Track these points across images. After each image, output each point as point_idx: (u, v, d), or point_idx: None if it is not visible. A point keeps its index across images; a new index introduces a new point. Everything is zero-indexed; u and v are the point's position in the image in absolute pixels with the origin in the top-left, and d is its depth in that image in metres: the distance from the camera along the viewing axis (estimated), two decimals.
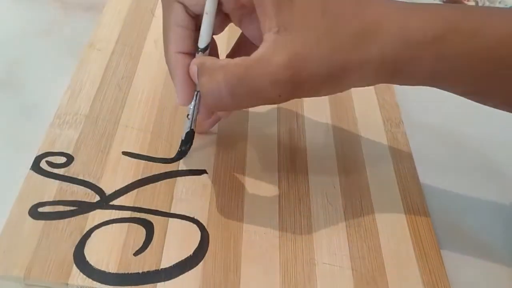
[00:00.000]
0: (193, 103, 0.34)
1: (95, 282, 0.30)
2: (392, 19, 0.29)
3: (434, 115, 0.47)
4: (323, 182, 0.39)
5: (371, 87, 0.48)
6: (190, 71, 0.32)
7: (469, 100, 0.33)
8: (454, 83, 0.31)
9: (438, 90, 0.33)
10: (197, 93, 0.34)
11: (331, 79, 0.29)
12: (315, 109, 0.45)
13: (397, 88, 0.48)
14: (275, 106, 0.44)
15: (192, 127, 0.36)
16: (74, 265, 0.31)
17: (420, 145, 0.44)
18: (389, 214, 0.37)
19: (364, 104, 0.46)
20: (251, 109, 0.43)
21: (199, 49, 0.33)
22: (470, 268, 0.36)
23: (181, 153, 0.38)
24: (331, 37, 0.29)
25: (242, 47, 0.32)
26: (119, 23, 0.49)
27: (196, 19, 0.33)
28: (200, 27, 0.32)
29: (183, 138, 0.37)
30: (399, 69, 0.30)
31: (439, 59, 0.29)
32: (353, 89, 0.47)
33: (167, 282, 0.31)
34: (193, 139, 0.37)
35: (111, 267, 0.31)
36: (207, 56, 0.33)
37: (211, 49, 0.34)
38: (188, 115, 0.35)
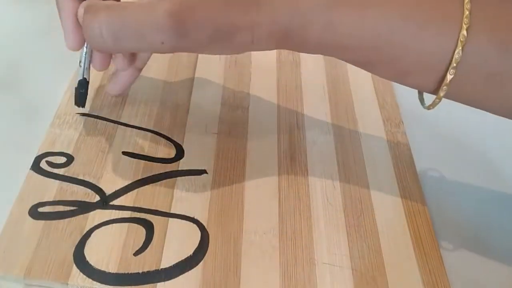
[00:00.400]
0: (84, 49, 0.35)
1: (95, 282, 0.30)
2: None
3: (434, 115, 0.47)
4: (323, 182, 0.39)
5: (371, 87, 0.48)
6: (78, 14, 0.32)
7: None
8: (343, 54, 0.31)
9: None
10: None
11: (220, 35, 0.29)
12: (315, 109, 0.45)
13: (397, 88, 0.48)
14: (275, 106, 0.44)
15: (84, 76, 0.36)
16: (74, 265, 0.31)
17: (420, 145, 0.44)
18: (389, 214, 0.37)
19: (364, 104, 0.46)
20: (250, 109, 0.43)
21: None
22: (470, 267, 0.36)
23: (78, 100, 0.38)
24: None
25: None
26: None
27: None
28: None
29: (76, 86, 0.37)
30: (290, 35, 0.30)
31: (328, 28, 0.29)
32: (353, 89, 0.48)
33: (167, 282, 0.31)
34: (87, 88, 0.37)
35: (111, 267, 0.31)
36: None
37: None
38: (80, 62, 0.35)
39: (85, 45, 0.34)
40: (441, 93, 0.30)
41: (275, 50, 0.50)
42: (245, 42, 0.30)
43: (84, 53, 0.35)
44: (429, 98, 0.33)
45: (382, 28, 0.29)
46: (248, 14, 0.29)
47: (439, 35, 0.29)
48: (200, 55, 0.47)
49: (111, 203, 0.34)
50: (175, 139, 0.40)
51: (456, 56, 0.29)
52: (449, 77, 0.29)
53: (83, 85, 0.37)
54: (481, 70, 0.30)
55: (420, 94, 0.34)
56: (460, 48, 0.29)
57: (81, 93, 0.37)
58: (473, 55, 0.29)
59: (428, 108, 0.33)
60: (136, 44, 0.30)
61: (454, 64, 0.29)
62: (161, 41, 0.29)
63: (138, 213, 0.34)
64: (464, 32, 0.28)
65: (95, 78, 0.43)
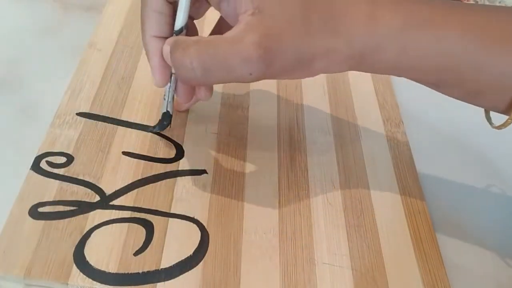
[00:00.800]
0: (168, 85, 0.36)
1: (95, 282, 0.30)
2: (361, 9, 0.30)
3: (434, 115, 0.47)
4: (323, 182, 0.39)
5: (371, 87, 0.48)
6: (163, 51, 0.33)
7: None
8: (416, 75, 0.32)
9: None
10: (171, 75, 0.35)
11: (301, 62, 0.30)
12: (315, 109, 0.45)
13: (397, 88, 0.48)
14: (275, 106, 0.44)
15: (168, 109, 0.37)
16: (74, 265, 0.31)
17: (420, 145, 0.44)
18: (389, 214, 0.37)
19: (364, 104, 0.46)
20: (251, 109, 0.43)
21: (174, 32, 0.34)
22: (471, 267, 0.36)
23: (157, 129, 0.39)
24: (303, 22, 0.30)
25: (222, 29, 0.33)
26: (119, 23, 0.49)
27: (173, 5, 0.34)
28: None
29: (160, 118, 0.38)
30: (365, 58, 0.31)
31: (402, 51, 0.30)
32: (353, 89, 0.48)
33: (167, 282, 0.31)
34: (170, 120, 0.38)
35: (111, 267, 0.31)
36: (180, 36, 0.34)
37: (192, 34, 0.35)
38: (164, 95, 0.37)
39: (169, 81, 0.36)
40: None
41: None
42: (321, 68, 0.31)
43: (168, 87, 0.36)
44: (497, 118, 0.33)
45: (457, 49, 0.30)
46: (327, 42, 0.30)
47: None
48: None
49: (111, 203, 0.34)
50: (175, 139, 0.40)
51: None
52: None
53: (167, 117, 0.38)
54: None
55: (487, 113, 0.34)
56: None
57: (163, 124, 0.38)
58: None
59: (499, 128, 0.33)
60: (225, 76, 0.30)
61: None
62: (249, 72, 0.29)
63: (138, 213, 0.34)
64: None
65: (96, 78, 0.43)
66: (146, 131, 0.39)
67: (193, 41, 0.31)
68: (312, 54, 0.30)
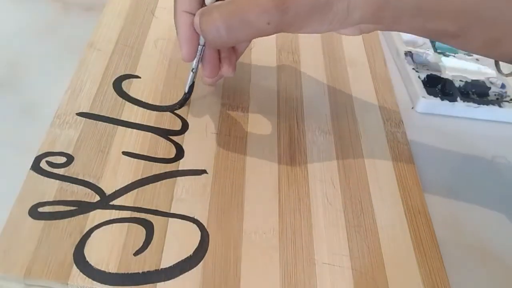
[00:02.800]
0: (196, 58, 0.39)
1: (95, 282, 0.30)
2: None
3: (434, 114, 0.47)
4: (323, 182, 0.39)
5: (371, 87, 0.48)
6: (194, 23, 0.36)
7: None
8: (436, 23, 0.32)
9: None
10: (201, 49, 0.38)
11: (317, 11, 0.31)
12: (315, 109, 0.45)
13: (397, 88, 0.48)
14: (275, 106, 0.44)
15: (194, 80, 0.41)
16: (74, 265, 0.31)
17: (420, 145, 0.44)
18: (389, 214, 0.37)
19: (364, 104, 0.46)
20: (250, 109, 0.43)
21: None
22: (471, 267, 0.36)
23: (184, 102, 0.42)
24: None
25: None
26: (119, 23, 0.49)
27: None
28: None
29: (186, 91, 0.42)
30: (383, 7, 0.31)
31: None
32: (353, 89, 0.48)
33: (167, 282, 0.31)
34: (190, 93, 0.42)
35: (111, 267, 0.31)
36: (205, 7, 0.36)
37: None
38: (192, 69, 0.40)
39: (197, 53, 0.38)
40: None
41: (274, 50, 0.50)
42: (342, 12, 0.32)
43: (196, 61, 0.39)
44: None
45: None
46: None
47: None
48: None
49: (111, 203, 0.34)
50: (175, 139, 0.40)
51: None
52: None
53: (192, 88, 0.42)
54: None
55: (497, 63, 0.35)
56: None
57: (185, 97, 0.42)
58: None
59: (508, 75, 0.34)
60: (246, 30, 0.33)
61: None
62: (267, 21, 0.31)
63: (138, 213, 0.34)
64: None
65: (96, 78, 0.43)
66: (161, 110, 0.41)
67: (215, 5, 0.33)
68: (327, 3, 0.31)
